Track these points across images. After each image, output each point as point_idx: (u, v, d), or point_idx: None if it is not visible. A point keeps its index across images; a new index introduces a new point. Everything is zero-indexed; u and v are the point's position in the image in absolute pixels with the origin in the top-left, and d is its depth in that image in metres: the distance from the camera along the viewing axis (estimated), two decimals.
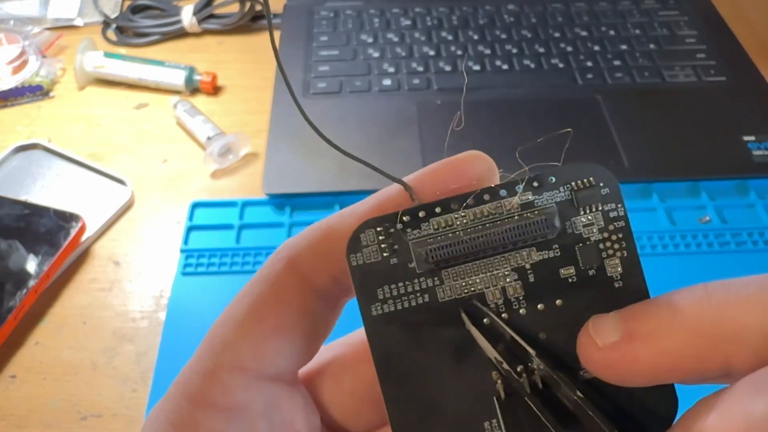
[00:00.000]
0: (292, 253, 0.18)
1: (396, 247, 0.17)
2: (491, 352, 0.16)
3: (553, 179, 0.17)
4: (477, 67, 0.62)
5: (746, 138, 0.55)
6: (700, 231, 0.49)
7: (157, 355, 0.43)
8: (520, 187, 0.17)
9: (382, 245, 0.17)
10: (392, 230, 0.17)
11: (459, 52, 0.63)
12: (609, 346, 0.15)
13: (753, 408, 0.12)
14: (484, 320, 0.17)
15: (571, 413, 0.16)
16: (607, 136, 0.55)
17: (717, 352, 0.14)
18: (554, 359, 0.16)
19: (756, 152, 0.54)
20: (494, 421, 0.16)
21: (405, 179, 0.17)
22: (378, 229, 0.17)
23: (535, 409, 0.15)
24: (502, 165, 0.17)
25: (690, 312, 0.14)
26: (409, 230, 0.17)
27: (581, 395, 0.15)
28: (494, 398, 0.16)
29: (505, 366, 0.15)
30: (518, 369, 0.16)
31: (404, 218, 0.17)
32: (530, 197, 0.17)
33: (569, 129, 0.22)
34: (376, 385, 0.17)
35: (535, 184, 0.17)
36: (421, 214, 0.17)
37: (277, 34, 0.67)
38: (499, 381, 0.17)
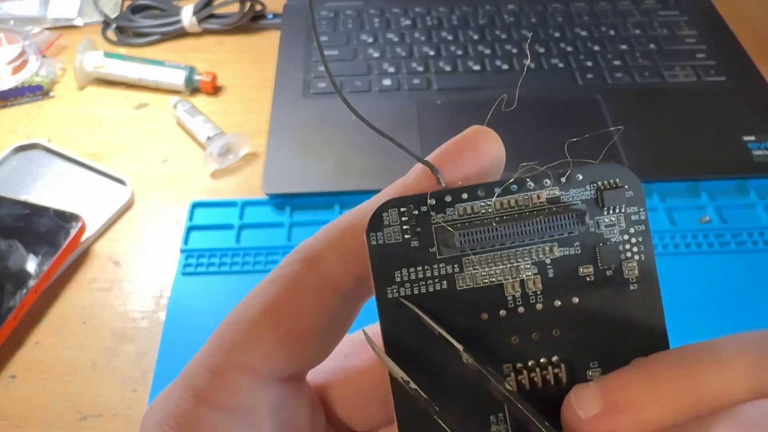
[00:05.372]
0: (311, 254, 0.17)
1: (419, 229, 0.16)
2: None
3: (581, 177, 0.17)
4: (477, 67, 0.62)
5: (746, 138, 0.55)
6: (700, 231, 0.49)
7: (157, 355, 0.43)
8: (548, 181, 0.17)
9: (405, 226, 0.16)
10: (416, 212, 0.16)
11: (459, 52, 0.63)
12: (591, 419, 0.15)
13: None
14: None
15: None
16: (607, 136, 0.55)
17: (695, 419, 0.14)
18: (565, 356, 0.16)
19: (756, 152, 0.54)
20: (500, 414, 0.16)
21: (428, 159, 0.17)
22: (402, 209, 0.16)
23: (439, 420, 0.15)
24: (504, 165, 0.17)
25: (666, 381, 0.14)
26: (433, 214, 0.16)
27: (509, 388, 0.15)
28: None
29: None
30: (530, 364, 0.16)
31: (430, 201, 0.16)
32: (557, 192, 0.17)
33: (621, 126, 0.21)
34: (382, 386, 0.16)
35: (563, 180, 0.17)
36: (448, 198, 0.16)
37: (276, 33, 0.67)
38: (511, 374, 0.16)
